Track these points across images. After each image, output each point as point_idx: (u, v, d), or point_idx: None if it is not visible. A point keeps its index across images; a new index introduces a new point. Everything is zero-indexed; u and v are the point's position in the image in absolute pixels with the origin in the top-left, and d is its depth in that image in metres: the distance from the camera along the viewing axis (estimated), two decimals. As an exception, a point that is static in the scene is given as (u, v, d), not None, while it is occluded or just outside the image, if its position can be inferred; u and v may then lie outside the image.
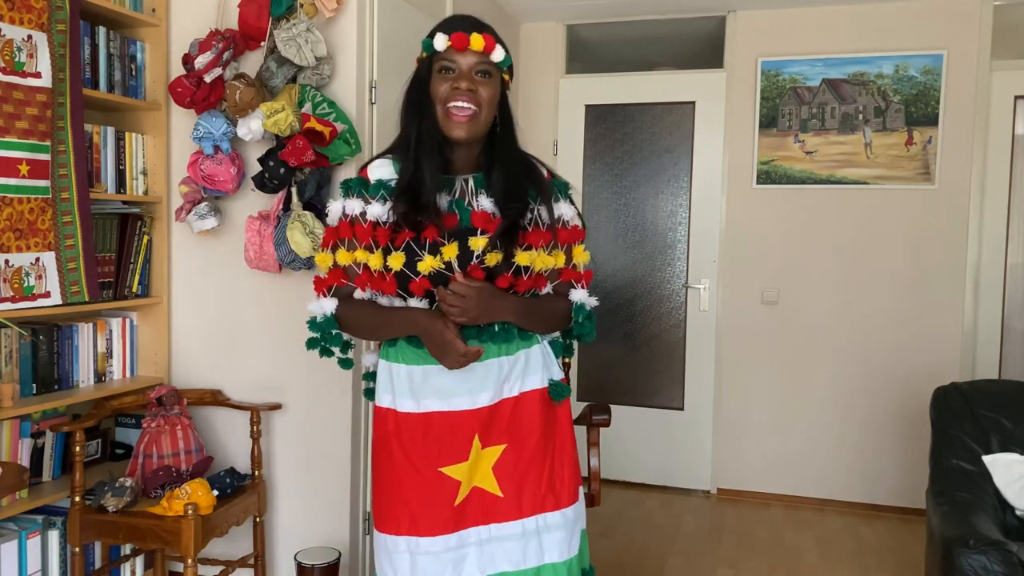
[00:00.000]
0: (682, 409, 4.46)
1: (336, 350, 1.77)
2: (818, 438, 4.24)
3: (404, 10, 3.05)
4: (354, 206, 1.64)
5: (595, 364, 4.62)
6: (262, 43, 2.72)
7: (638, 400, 4.54)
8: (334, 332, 1.70)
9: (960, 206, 4.00)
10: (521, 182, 1.66)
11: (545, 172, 1.73)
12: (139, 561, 2.83)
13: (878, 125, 4.10)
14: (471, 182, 1.66)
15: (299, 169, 2.62)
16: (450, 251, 1.56)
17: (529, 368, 1.71)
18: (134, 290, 2.84)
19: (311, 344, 1.71)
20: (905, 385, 4.09)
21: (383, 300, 1.66)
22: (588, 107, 4.55)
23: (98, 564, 2.73)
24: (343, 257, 1.64)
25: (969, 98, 3.97)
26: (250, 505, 2.68)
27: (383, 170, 1.67)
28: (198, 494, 2.41)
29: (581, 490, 1.78)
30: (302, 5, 2.67)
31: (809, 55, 4.16)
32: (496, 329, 1.64)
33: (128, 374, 2.88)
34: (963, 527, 2.28)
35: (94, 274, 2.56)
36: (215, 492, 2.49)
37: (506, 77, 1.68)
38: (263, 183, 2.66)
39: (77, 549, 2.47)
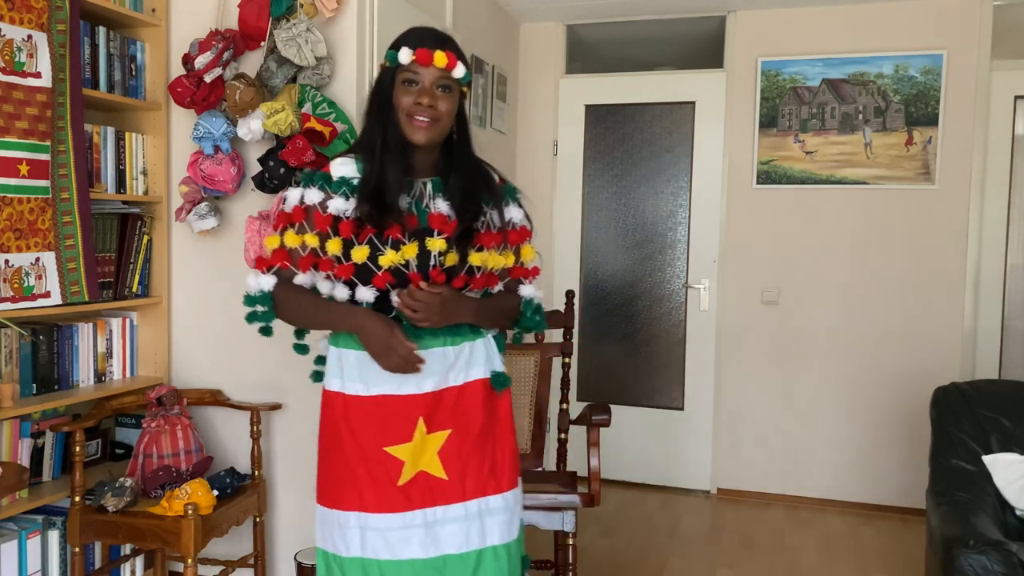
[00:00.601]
0: (682, 409, 4.47)
1: (296, 338, 1.86)
2: (818, 438, 4.24)
3: (404, 10, 3.05)
4: (313, 196, 1.71)
5: (595, 364, 4.62)
6: (262, 43, 2.72)
7: (638, 400, 4.54)
8: (267, 309, 1.75)
9: (960, 206, 4.00)
10: (476, 188, 1.77)
11: (497, 178, 1.84)
12: (139, 561, 2.83)
13: (878, 125, 4.10)
14: (429, 185, 1.76)
15: (299, 169, 2.62)
16: (410, 250, 1.66)
17: (473, 359, 1.78)
18: (134, 290, 2.85)
19: (250, 319, 1.76)
20: (905, 385, 4.09)
21: (324, 287, 1.73)
22: (588, 107, 4.55)
23: (98, 564, 2.73)
24: (291, 239, 1.71)
25: (969, 98, 3.97)
26: (250, 505, 2.68)
27: (346, 168, 1.75)
28: (198, 494, 2.41)
29: (519, 479, 1.85)
30: (302, 5, 2.67)
31: (809, 55, 4.16)
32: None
33: (128, 374, 2.88)
34: (963, 527, 2.28)
35: (94, 274, 2.56)
36: (215, 492, 2.49)
37: (464, 90, 1.78)
38: (263, 183, 2.66)
39: (77, 549, 2.47)
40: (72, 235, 2.49)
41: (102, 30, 2.67)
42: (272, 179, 2.63)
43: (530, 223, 1.86)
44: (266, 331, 1.79)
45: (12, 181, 2.31)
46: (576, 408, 2.99)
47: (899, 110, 4.06)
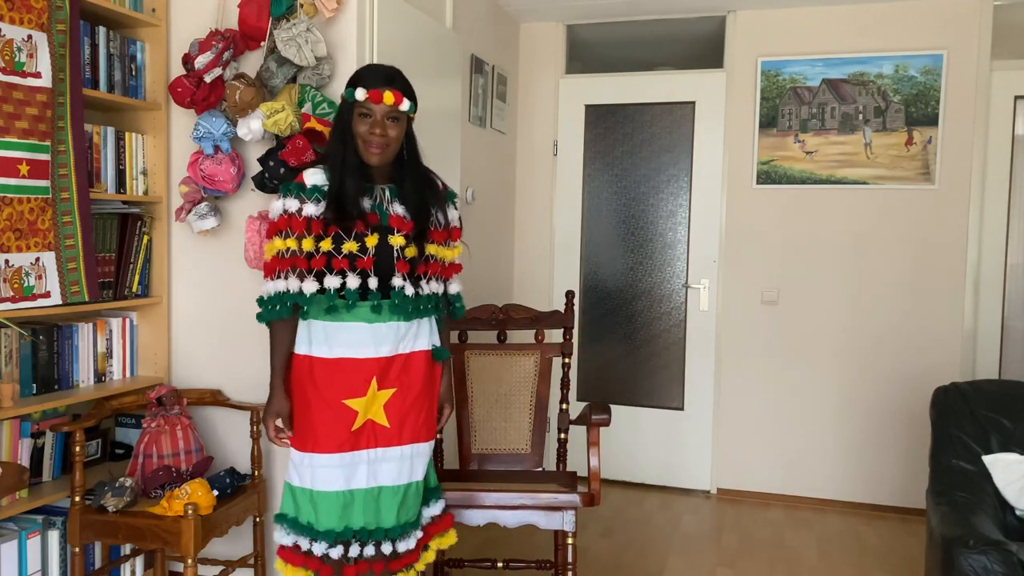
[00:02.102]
0: (682, 409, 4.47)
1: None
2: (818, 438, 4.24)
3: (404, 10, 3.05)
4: (291, 204, 2.11)
5: (595, 364, 4.62)
6: (262, 43, 2.72)
7: (638, 400, 4.54)
8: (287, 305, 2.13)
9: (960, 206, 4.00)
10: (425, 194, 2.21)
11: (440, 184, 2.28)
12: (139, 561, 2.83)
13: (878, 125, 4.10)
14: (387, 191, 2.18)
15: (299, 169, 2.61)
16: (372, 240, 2.10)
17: (420, 333, 2.23)
18: (134, 290, 2.85)
19: (265, 317, 2.15)
20: (905, 385, 4.09)
21: (309, 286, 2.11)
22: (588, 107, 4.55)
23: (98, 564, 2.73)
24: (278, 244, 2.11)
25: (969, 98, 3.97)
26: (250, 505, 2.68)
27: (316, 177, 2.15)
28: (198, 494, 2.41)
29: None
30: (302, 5, 2.67)
31: (809, 55, 4.16)
32: (395, 302, 2.13)
33: (128, 374, 2.88)
34: (963, 527, 2.28)
35: (94, 274, 2.56)
36: (215, 492, 2.49)
37: (411, 116, 2.19)
38: (263, 183, 2.66)
39: (77, 549, 2.47)
40: (72, 235, 2.49)
41: (102, 30, 2.67)
42: (272, 179, 2.63)
43: (460, 224, 2.32)
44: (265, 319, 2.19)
45: (12, 181, 2.31)
46: (576, 408, 3.00)
47: (899, 110, 4.06)
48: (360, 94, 2.08)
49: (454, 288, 2.33)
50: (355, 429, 2.15)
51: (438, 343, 2.30)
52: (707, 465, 4.43)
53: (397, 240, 2.13)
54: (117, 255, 2.79)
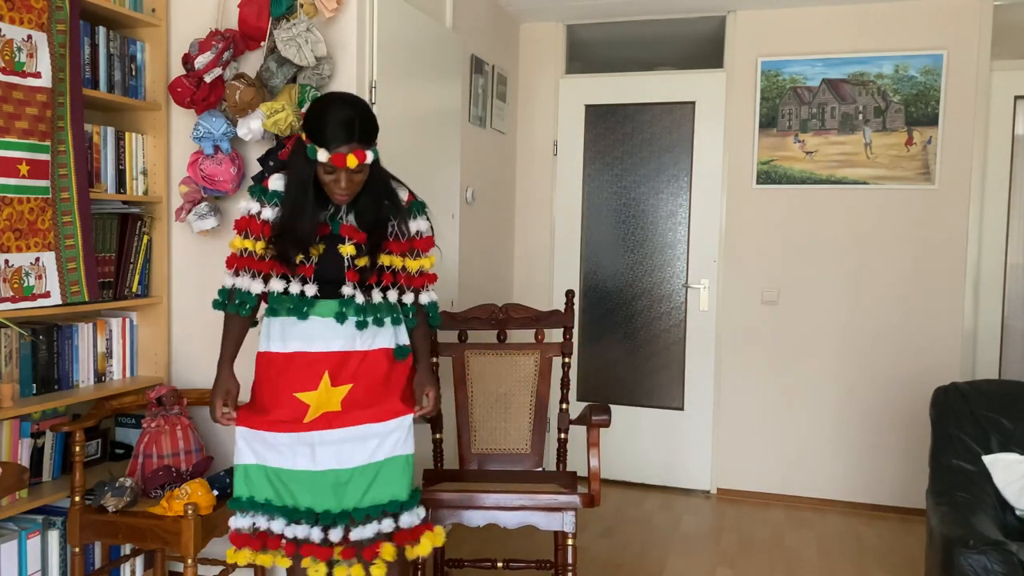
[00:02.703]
0: (682, 409, 4.46)
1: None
2: (818, 438, 4.24)
3: (404, 10, 3.05)
4: (253, 206, 2.19)
5: (595, 364, 4.62)
6: (262, 43, 2.72)
7: (638, 400, 4.54)
8: (246, 304, 2.23)
9: (960, 206, 4.00)
10: (383, 206, 2.20)
11: (407, 194, 2.26)
12: (139, 561, 2.83)
13: (878, 125, 4.10)
14: (344, 206, 2.19)
15: (299, 169, 2.61)
16: (316, 250, 2.16)
17: (379, 333, 2.23)
18: (134, 290, 2.85)
19: (222, 307, 2.27)
20: (905, 385, 4.09)
21: (275, 284, 2.21)
22: (588, 107, 4.55)
23: (98, 564, 2.73)
24: (237, 243, 2.20)
25: (969, 98, 3.97)
26: (250, 505, 2.67)
27: (279, 182, 2.19)
28: (198, 494, 2.41)
29: (407, 422, 2.24)
30: (302, 5, 2.67)
31: (809, 55, 4.16)
32: (342, 310, 2.17)
33: (128, 374, 2.88)
34: (963, 527, 2.28)
35: (94, 274, 2.56)
36: (215, 492, 2.49)
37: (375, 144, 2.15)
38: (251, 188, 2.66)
39: (77, 549, 2.47)
40: (72, 235, 2.49)
41: (102, 30, 2.67)
42: (272, 179, 2.62)
43: (432, 233, 2.30)
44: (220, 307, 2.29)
45: (12, 181, 2.31)
46: (576, 408, 2.99)
47: (899, 110, 4.06)
48: (323, 155, 2.03)
49: (425, 298, 2.31)
50: (307, 422, 2.18)
51: (405, 342, 2.30)
52: (707, 465, 4.42)
53: (347, 249, 2.16)
54: (117, 255, 2.79)
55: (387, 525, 2.17)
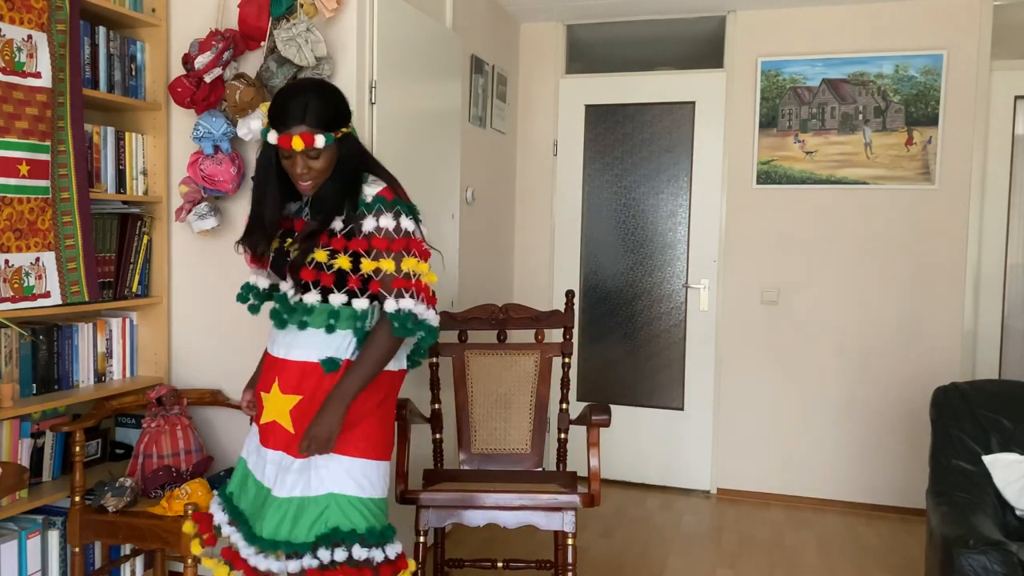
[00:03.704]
0: (682, 409, 4.46)
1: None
2: (818, 438, 4.24)
3: (404, 10, 3.05)
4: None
5: (595, 364, 4.62)
6: (262, 43, 2.72)
7: (638, 400, 4.54)
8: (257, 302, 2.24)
9: (960, 206, 4.00)
10: (332, 200, 2.02)
11: (378, 189, 2.03)
12: (139, 561, 2.83)
13: (878, 125, 4.10)
14: (307, 199, 2.11)
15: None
16: (275, 243, 2.11)
17: (310, 343, 2.04)
18: (134, 290, 2.84)
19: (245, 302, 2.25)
20: (905, 385, 4.09)
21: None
22: (588, 107, 4.55)
23: (98, 564, 2.73)
24: None
25: (969, 98, 3.97)
26: (250, 505, 2.67)
27: None
28: (198, 494, 2.41)
29: (367, 465, 2.04)
30: (302, 5, 2.67)
31: (809, 55, 4.16)
32: (276, 305, 2.09)
33: (128, 374, 2.88)
34: (963, 527, 2.28)
35: (94, 274, 2.56)
36: (215, 492, 2.49)
37: (337, 134, 2.00)
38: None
39: (77, 549, 2.47)
40: (72, 235, 2.49)
41: (102, 30, 2.67)
42: (272, 179, 2.62)
43: (413, 235, 2.03)
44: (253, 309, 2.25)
45: (12, 181, 2.31)
46: (576, 408, 2.99)
47: (899, 110, 4.06)
48: (272, 137, 1.96)
49: (391, 305, 1.96)
50: (261, 423, 2.09)
51: (340, 355, 2.04)
52: (707, 465, 4.42)
53: (291, 245, 2.07)
54: (117, 255, 2.79)
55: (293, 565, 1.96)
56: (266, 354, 2.17)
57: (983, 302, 4.12)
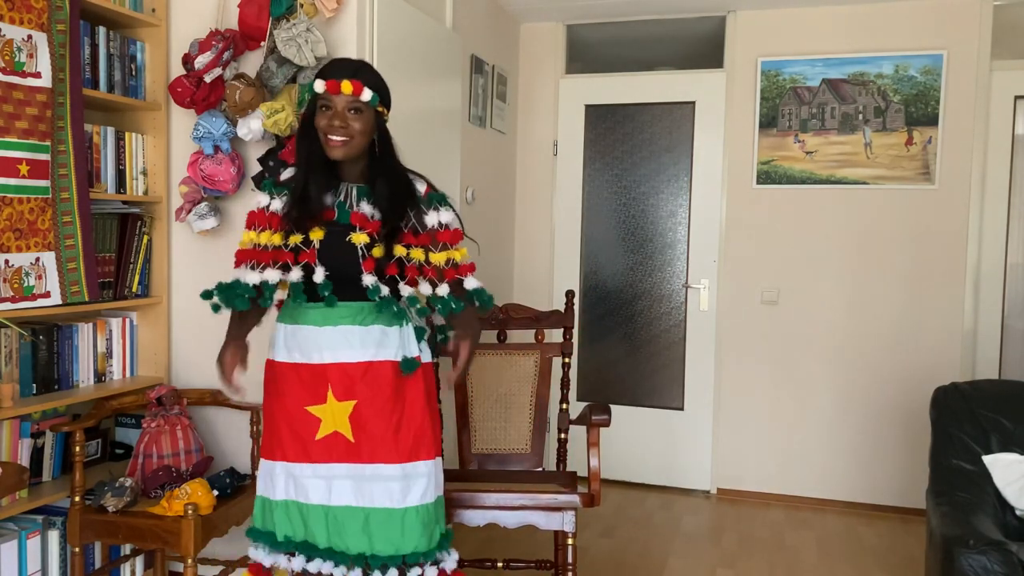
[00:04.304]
0: (682, 409, 4.46)
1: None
2: (818, 438, 4.24)
3: (404, 10, 3.05)
4: (263, 200, 2.15)
5: (595, 364, 4.62)
6: (262, 43, 2.72)
7: (638, 400, 4.54)
8: (244, 296, 2.11)
9: (960, 206, 4.00)
10: (400, 194, 2.09)
11: (424, 187, 2.14)
12: (139, 561, 2.83)
13: (878, 125, 4.10)
14: (355, 191, 2.10)
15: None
16: (316, 233, 2.04)
17: (385, 342, 2.08)
18: (134, 290, 2.85)
19: (230, 303, 2.13)
20: (905, 385, 4.09)
21: (271, 275, 2.11)
22: (588, 107, 4.55)
23: (98, 564, 2.73)
24: (248, 237, 2.12)
25: (969, 98, 3.97)
26: (250, 505, 2.67)
27: (289, 174, 2.16)
28: (198, 494, 2.41)
29: (439, 463, 2.16)
30: (302, 5, 2.67)
31: (809, 55, 4.16)
32: (375, 299, 2.05)
33: (128, 374, 2.88)
34: (963, 527, 2.28)
35: (94, 274, 2.56)
36: (215, 492, 2.49)
37: (380, 109, 2.06)
38: (263, 183, 2.66)
39: (77, 549, 2.47)
40: (72, 235, 2.49)
41: (102, 30, 2.67)
42: (272, 179, 2.62)
43: (461, 225, 2.20)
44: (215, 308, 2.15)
45: (12, 181, 2.31)
46: (576, 408, 2.99)
47: (899, 110, 4.06)
48: (319, 86, 2.00)
49: (471, 283, 2.12)
50: (320, 438, 2.06)
51: (412, 354, 2.12)
52: (707, 465, 4.42)
53: (359, 238, 2.03)
54: (117, 255, 2.79)
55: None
56: (286, 366, 2.08)
57: (983, 302, 4.12)
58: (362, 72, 2.03)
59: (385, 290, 2.06)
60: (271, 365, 2.15)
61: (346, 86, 1.97)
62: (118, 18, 2.73)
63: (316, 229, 2.04)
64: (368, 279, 2.03)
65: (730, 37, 4.28)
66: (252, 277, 2.09)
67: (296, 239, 2.06)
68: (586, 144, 4.56)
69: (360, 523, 2.05)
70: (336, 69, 2.03)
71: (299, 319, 2.09)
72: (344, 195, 2.09)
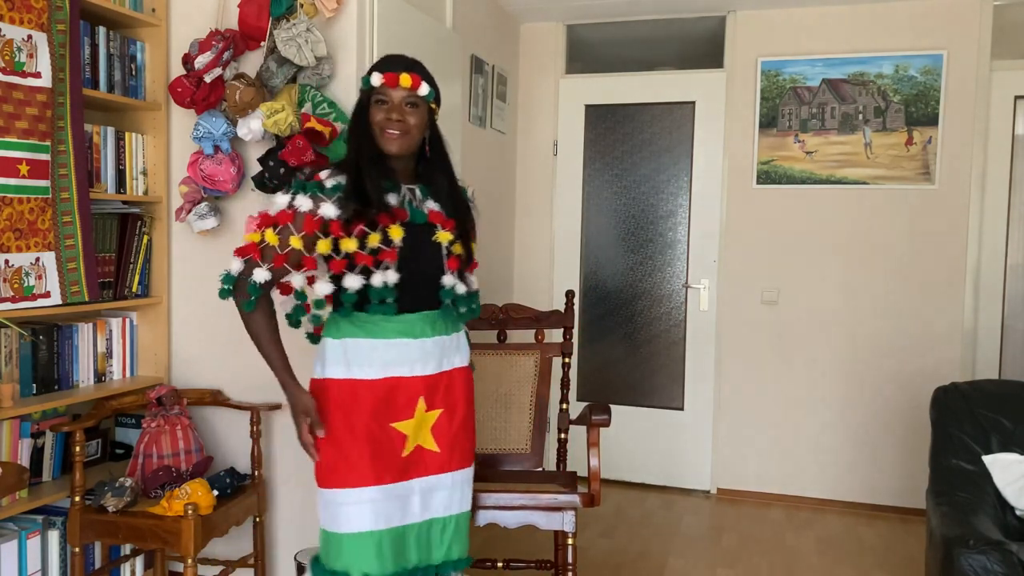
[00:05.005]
0: (682, 409, 4.46)
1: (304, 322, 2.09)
2: (818, 438, 4.24)
3: (404, 10, 3.05)
4: (304, 203, 1.92)
5: (595, 364, 4.62)
6: (262, 43, 2.72)
7: (638, 400, 4.54)
8: (229, 288, 1.96)
9: (960, 206, 4.00)
10: (458, 191, 2.09)
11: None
12: (139, 561, 2.83)
13: (878, 125, 4.10)
14: (417, 191, 2.05)
15: (299, 169, 2.62)
16: (396, 232, 1.94)
17: (460, 347, 2.12)
18: (134, 290, 2.84)
19: (222, 294, 1.97)
20: (905, 385, 4.09)
21: (296, 280, 1.96)
22: (588, 107, 4.55)
23: (98, 564, 2.73)
24: (271, 237, 1.92)
25: (969, 98, 3.97)
26: (250, 505, 2.68)
27: (335, 180, 1.98)
28: (198, 494, 2.41)
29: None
30: (302, 5, 2.67)
31: (809, 55, 4.16)
32: (448, 301, 2.03)
33: (128, 374, 2.88)
34: (963, 527, 2.28)
35: (94, 274, 2.56)
36: (215, 492, 2.49)
37: (433, 106, 2.04)
38: (263, 183, 2.66)
39: (77, 549, 2.47)
40: (72, 235, 2.49)
41: (102, 30, 2.67)
42: (272, 179, 2.63)
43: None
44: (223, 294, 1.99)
45: (12, 181, 2.31)
46: (576, 408, 2.99)
47: (899, 110, 4.06)
48: (376, 79, 1.96)
49: (475, 285, 2.16)
50: (406, 455, 2.00)
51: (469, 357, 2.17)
52: (707, 465, 4.42)
53: (444, 236, 2.00)
54: (117, 255, 2.79)
55: None
56: (360, 383, 1.96)
57: (983, 302, 4.12)
58: (417, 67, 2.02)
59: (463, 289, 2.06)
60: (345, 385, 1.98)
61: (405, 79, 1.95)
62: (118, 18, 2.73)
63: (395, 228, 1.93)
64: (448, 279, 2.02)
65: (730, 37, 4.29)
66: (322, 288, 1.95)
67: (375, 239, 1.92)
68: (586, 144, 4.56)
69: (449, 532, 2.07)
70: (392, 64, 2.00)
71: (374, 333, 1.97)
72: (406, 196, 2.02)
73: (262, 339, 1.98)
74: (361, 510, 1.93)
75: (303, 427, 1.95)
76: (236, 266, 1.95)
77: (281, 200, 1.95)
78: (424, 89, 1.98)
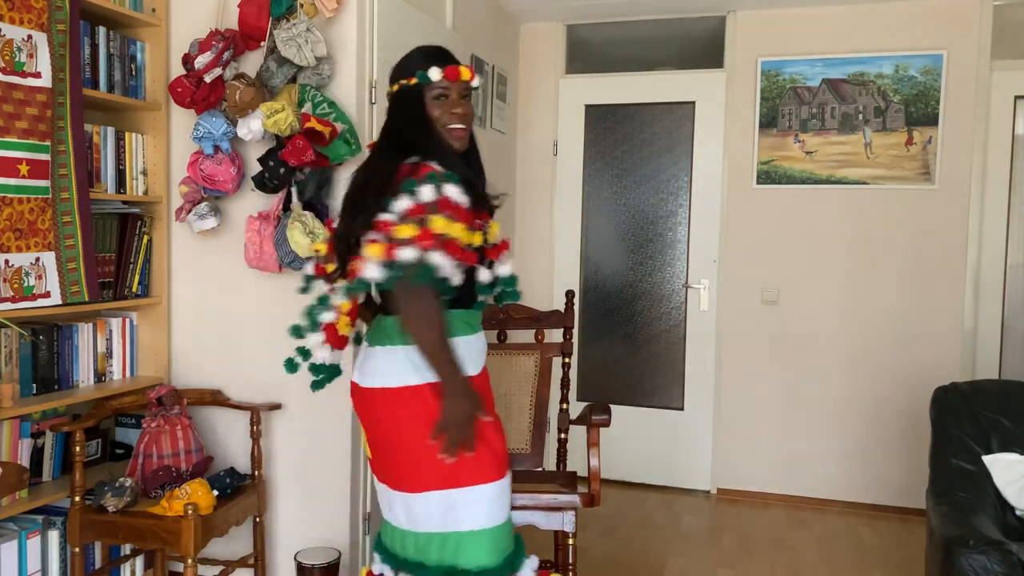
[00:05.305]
0: (682, 409, 4.46)
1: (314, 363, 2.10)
2: (818, 438, 4.24)
3: (404, 10, 3.05)
4: (451, 191, 1.80)
5: (595, 364, 4.62)
6: (262, 43, 2.72)
7: (638, 400, 4.54)
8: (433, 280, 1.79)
9: (960, 206, 4.00)
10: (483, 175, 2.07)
11: None
12: (139, 561, 2.83)
13: (878, 125, 4.10)
14: None
15: (299, 169, 2.62)
16: (495, 227, 2.04)
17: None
18: (134, 290, 2.85)
19: (423, 277, 1.76)
20: (905, 385, 4.09)
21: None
22: (588, 107, 4.55)
23: (98, 564, 2.73)
24: (440, 224, 1.76)
25: (969, 98, 3.97)
26: (250, 505, 2.68)
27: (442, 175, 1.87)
28: (198, 494, 2.41)
29: None
30: (302, 5, 2.67)
31: (809, 55, 4.16)
32: (480, 298, 2.03)
33: (128, 374, 2.88)
34: (963, 527, 2.28)
35: (94, 274, 2.56)
36: (215, 492, 2.49)
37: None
38: (263, 183, 2.66)
39: (77, 549, 2.47)
40: (72, 235, 2.49)
41: (102, 30, 2.67)
42: (272, 179, 2.63)
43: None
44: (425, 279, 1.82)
45: (12, 181, 2.31)
46: (576, 408, 3.00)
47: (899, 110, 4.06)
48: (435, 74, 1.88)
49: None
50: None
51: None
52: (707, 465, 4.42)
53: (495, 227, 2.06)
54: (117, 255, 2.79)
55: None
56: (480, 379, 1.99)
57: (983, 302, 4.12)
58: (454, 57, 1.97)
59: (507, 271, 2.11)
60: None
61: (464, 72, 1.91)
62: (118, 18, 2.73)
63: (494, 224, 1.99)
64: (484, 275, 1.99)
65: (730, 37, 4.28)
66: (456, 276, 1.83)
67: (478, 238, 1.91)
68: (586, 144, 4.56)
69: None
70: (443, 57, 1.94)
71: (476, 327, 2.01)
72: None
73: (443, 332, 1.82)
74: (504, 498, 1.97)
75: (477, 422, 1.86)
76: (412, 255, 1.75)
77: (428, 192, 1.78)
78: (477, 80, 1.96)
